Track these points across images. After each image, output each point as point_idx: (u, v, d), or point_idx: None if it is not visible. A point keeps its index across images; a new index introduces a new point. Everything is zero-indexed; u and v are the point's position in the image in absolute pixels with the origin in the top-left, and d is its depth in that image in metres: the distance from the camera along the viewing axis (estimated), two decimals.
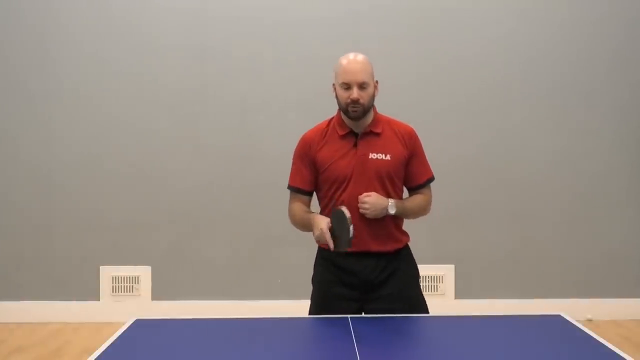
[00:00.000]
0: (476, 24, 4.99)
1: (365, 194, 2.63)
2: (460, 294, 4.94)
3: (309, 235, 5.18)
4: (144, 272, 5.01)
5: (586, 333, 2.44)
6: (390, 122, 2.77)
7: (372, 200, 2.61)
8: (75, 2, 4.94)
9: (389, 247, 2.73)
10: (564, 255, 5.06)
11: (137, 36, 4.95)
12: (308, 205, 2.79)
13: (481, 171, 5.02)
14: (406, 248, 2.81)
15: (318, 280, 2.83)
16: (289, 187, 2.81)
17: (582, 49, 5.03)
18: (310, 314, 2.79)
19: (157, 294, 5.00)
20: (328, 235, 2.51)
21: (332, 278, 2.75)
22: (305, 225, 2.71)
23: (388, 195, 2.69)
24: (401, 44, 4.92)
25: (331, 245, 2.51)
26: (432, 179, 2.82)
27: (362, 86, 2.63)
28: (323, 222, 2.54)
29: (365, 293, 2.71)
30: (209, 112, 4.99)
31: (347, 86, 2.63)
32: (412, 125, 2.80)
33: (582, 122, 5.05)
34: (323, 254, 2.79)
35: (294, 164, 2.80)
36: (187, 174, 4.99)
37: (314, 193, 2.82)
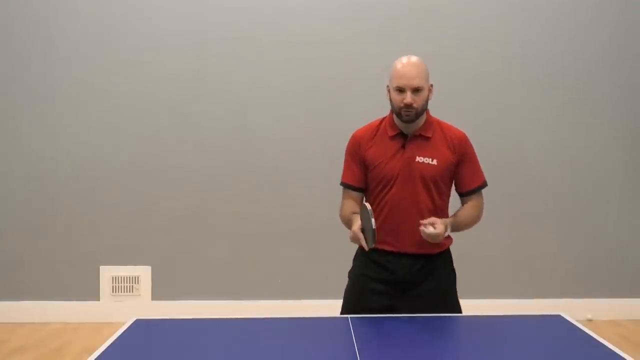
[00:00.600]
0: (475, 21, 4.99)
1: (430, 224, 2.57)
2: (459, 294, 4.90)
3: (308, 235, 5.21)
4: (144, 272, 5.01)
5: (586, 333, 2.44)
6: (442, 126, 2.80)
7: (438, 231, 2.57)
8: (76, 1, 4.94)
9: (431, 250, 2.75)
10: (563, 255, 5.06)
11: (136, 34, 4.95)
12: (359, 202, 2.80)
13: None
14: (447, 251, 2.83)
15: (355, 274, 2.86)
16: (341, 183, 2.86)
17: (580, 46, 5.03)
18: (342, 307, 2.81)
19: (157, 294, 5.00)
20: (360, 236, 2.53)
21: (369, 273, 2.78)
22: (349, 226, 2.73)
23: (432, 201, 2.71)
24: (401, 40, 4.91)
25: (364, 245, 2.53)
26: (483, 185, 2.83)
27: (416, 90, 2.65)
28: (355, 224, 2.56)
29: (399, 291, 2.74)
30: (209, 112, 4.98)
31: (401, 90, 2.65)
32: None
33: (583, 121, 5.05)
34: (363, 250, 2.80)
35: (345, 161, 2.85)
36: (187, 173, 4.99)
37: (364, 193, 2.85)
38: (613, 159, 5.07)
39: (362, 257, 2.82)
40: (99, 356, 2.21)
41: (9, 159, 4.97)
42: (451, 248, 2.91)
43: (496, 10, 5.00)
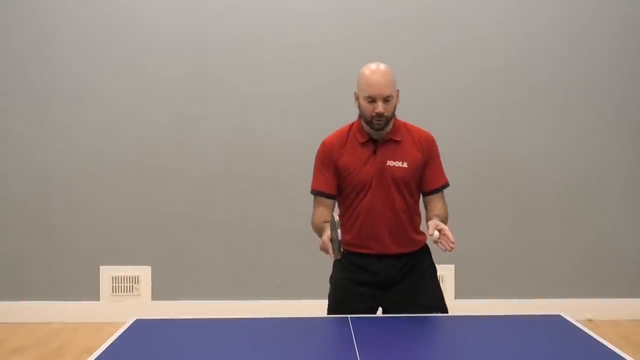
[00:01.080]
0: (475, 21, 4.99)
1: (438, 232, 2.51)
2: (460, 294, 4.94)
3: (308, 235, 5.18)
4: (144, 272, 5.01)
5: (586, 333, 2.44)
6: (408, 128, 2.81)
7: (452, 238, 2.51)
8: (75, 2, 4.94)
9: (408, 249, 2.78)
10: (564, 255, 5.06)
11: (137, 33, 4.95)
12: (332, 209, 2.80)
13: (481, 171, 5.02)
14: (424, 247, 2.85)
15: (336, 278, 2.86)
16: (312, 191, 2.84)
17: (582, 47, 5.03)
18: (328, 311, 2.82)
19: (157, 294, 5.00)
20: (328, 246, 2.51)
21: (350, 276, 2.79)
22: (320, 234, 2.71)
23: (405, 202, 2.74)
24: (403, 41, 4.93)
25: (331, 255, 2.52)
26: (446, 185, 2.85)
27: (386, 99, 2.66)
28: (325, 234, 2.56)
29: (382, 291, 2.76)
30: (210, 112, 4.99)
31: (372, 99, 2.66)
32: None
33: (582, 121, 5.05)
34: (343, 253, 2.81)
35: (316, 168, 2.84)
36: (187, 173, 4.99)
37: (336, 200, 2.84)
38: (613, 159, 5.06)
39: (343, 261, 2.81)
40: (99, 356, 2.20)
41: (9, 159, 4.97)
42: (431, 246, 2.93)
43: (497, 10, 4.99)
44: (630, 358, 2.13)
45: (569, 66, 5.03)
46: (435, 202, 2.81)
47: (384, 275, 2.75)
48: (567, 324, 2.57)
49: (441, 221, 2.67)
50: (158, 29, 4.95)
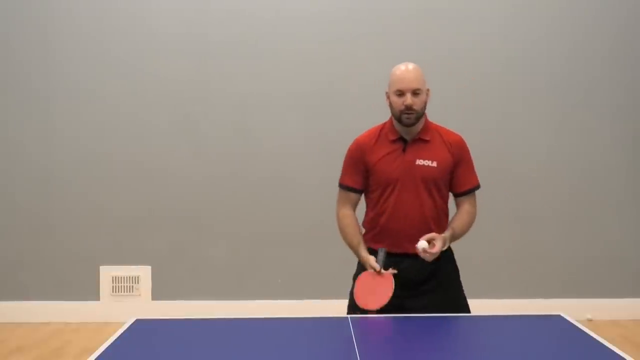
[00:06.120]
0: (475, 22, 4.98)
1: (427, 243, 2.68)
2: None
3: (308, 235, 5.20)
4: (144, 272, 5.01)
5: (586, 333, 2.44)
6: (439, 130, 2.88)
7: (436, 251, 2.69)
8: (76, 4, 4.94)
9: None
10: (564, 255, 5.05)
11: (138, 34, 4.95)
12: (356, 203, 2.90)
13: (480, 171, 4.95)
14: (448, 250, 2.87)
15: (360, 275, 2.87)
16: (341, 185, 2.91)
17: (581, 48, 5.03)
18: (348, 309, 2.83)
19: (157, 294, 5.00)
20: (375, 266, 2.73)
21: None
22: (350, 247, 2.87)
23: (433, 202, 2.79)
24: (400, 42, 4.92)
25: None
26: (477, 187, 2.92)
27: (415, 93, 2.73)
28: (370, 263, 2.73)
29: (405, 290, 2.76)
30: (210, 112, 4.99)
31: (401, 93, 2.72)
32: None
33: (582, 122, 5.05)
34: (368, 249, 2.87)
35: (346, 163, 2.90)
36: (187, 173, 4.99)
37: (362, 194, 2.92)
38: (613, 159, 5.06)
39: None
40: (99, 356, 2.20)
41: (9, 159, 4.97)
42: (453, 248, 2.93)
43: (497, 11, 4.99)
44: (630, 358, 2.13)
45: (569, 66, 5.03)
46: (463, 204, 2.88)
47: (406, 274, 2.76)
48: (567, 324, 2.57)
49: (459, 232, 2.80)
50: (158, 30, 4.95)
